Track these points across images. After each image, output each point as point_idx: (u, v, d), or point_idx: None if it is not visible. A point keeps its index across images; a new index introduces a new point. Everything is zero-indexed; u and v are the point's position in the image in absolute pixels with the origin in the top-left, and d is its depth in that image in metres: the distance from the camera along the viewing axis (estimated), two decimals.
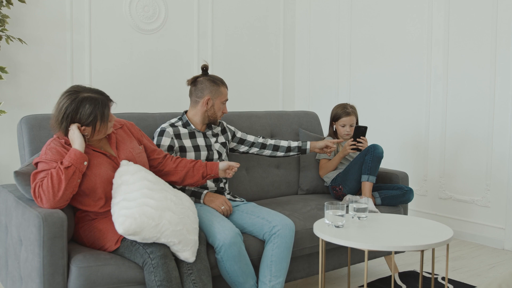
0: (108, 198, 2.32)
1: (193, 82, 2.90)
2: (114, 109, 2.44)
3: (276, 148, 3.14)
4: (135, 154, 2.45)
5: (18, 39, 3.79)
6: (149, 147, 2.60)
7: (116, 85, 4.37)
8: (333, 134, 3.53)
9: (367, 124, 4.74)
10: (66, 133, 2.29)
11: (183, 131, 2.86)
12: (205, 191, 2.76)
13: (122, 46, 4.47)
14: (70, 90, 2.30)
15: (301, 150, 3.17)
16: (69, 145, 2.30)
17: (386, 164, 4.04)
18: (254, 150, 3.13)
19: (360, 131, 3.29)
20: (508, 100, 3.90)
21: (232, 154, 3.18)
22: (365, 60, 4.92)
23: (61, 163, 2.19)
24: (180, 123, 2.89)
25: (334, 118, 3.49)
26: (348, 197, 3.16)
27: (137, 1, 4.50)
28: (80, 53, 4.26)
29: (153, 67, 4.65)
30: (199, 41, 4.89)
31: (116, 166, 2.37)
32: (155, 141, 2.79)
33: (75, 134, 2.26)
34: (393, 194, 3.23)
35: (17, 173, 2.27)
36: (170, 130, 2.82)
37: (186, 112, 2.94)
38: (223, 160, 2.94)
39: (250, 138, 3.12)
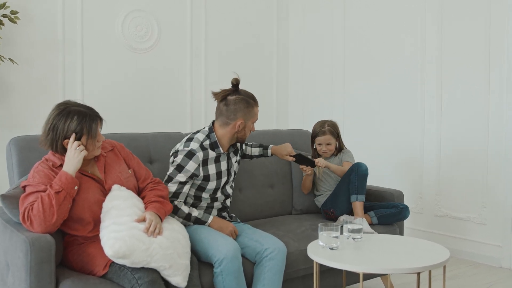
0: (96, 222, 2.26)
1: (224, 99, 2.67)
2: (105, 128, 2.40)
3: (244, 157, 3.07)
4: (124, 179, 2.39)
5: (9, 59, 3.77)
6: (136, 172, 2.51)
7: (109, 104, 4.34)
8: (314, 151, 3.46)
9: (361, 140, 4.72)
10: (52, 146, 2.25)
11: (211, 154, 2.66)
12: (211, 217, 2.66)
13: (114, 66, 4.45)
14: (60, 103, 2.29)
15: (265, 156, 3.10)
16: (57, 167, 2.26)
17: (380, 182, 4.01)
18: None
19: (304, 160, 3.09)
20: (503, 117, 3.89)
21: None
22: (359, 78, 4.91)
23: (51, 186, 2.15)
24: (207, 142, 2.67)
25: (312, 135, 3.43)
26: (343, 217, 3.11)
27: (130, 20, 4.49)
28: (72, 73, 4.24)
29: (145, 86, 4.63)
30: (192, 60, 4.88)
31: (103, 190, 2.33)
32: (178, 160, 2.60)
33: (74, 155, 2.20)
34: (389, 212, 3.19)
35: (3, 197, 2.23)
36: (200, 154, 2.61)
37: (213, 124, 2.73)
38: (233, 181, 2.87)
39: (248, 151, 3.05)
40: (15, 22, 3.73)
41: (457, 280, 3.62)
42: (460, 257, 4.12)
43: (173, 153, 2.69)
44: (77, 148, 2.22)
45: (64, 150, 2.26)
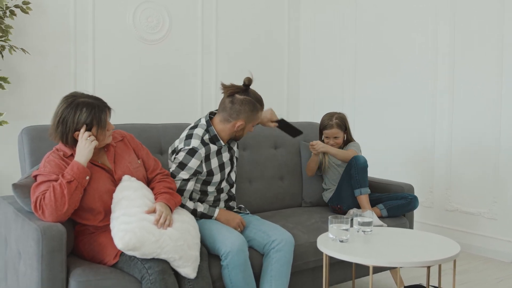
0: (107, 212, 2.28)
1: (231, 96, 2.60)
2: (116, 119, 2.41)
3: None
4: (133, 169, 2.40)
5: (21, 49, 3.78)
6: (146, 162, 2.50)
7: (120, 96, 4.35)
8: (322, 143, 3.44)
9: (372, 134, 4.69)
10: (62, 138, 2.25)
11: (213, 148, 2.63)
12: (217, 210, 2.63)
13: (125, 57, 4.46)
14: (67, 95, 2.29)
15: None
16: (68, 157, 2.27)
17: (391, 176, 3.99)
18: None
19: (288, 126, 2.93)
20: None
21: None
22: (371, 72, 4.89)
23: (63, 176, 2.16)
24: (207, 136, 2.63)
25: (320, 127, 3.39)
26: (353, 210, 3.11)
27: (141, 12, 4.50)
28: (83, 64, 4.25)
29: (156, 78, 4.64)
30: (203, 51, 4.88)
31: (113, 179, 2.34)
32: (180, 157, 2.57)
33: (85, 146, 2.21)
34: (399, 204, 3.17)
35: (15, 186, 2.24)
36: (202, 151, 2.58)
37: (211, 117, 2.69)
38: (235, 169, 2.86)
39: None
40: (27, 13, 3.75)
41: (467, 274, 3.61)
42: (470, 252, 4.10)
43: (173, 151, 2.67)
44: (88, 138, 2.23)
45: (74, 142, 2.26)
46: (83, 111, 2.23)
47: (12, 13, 3.69)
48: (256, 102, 2.62)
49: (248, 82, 2.61)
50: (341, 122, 3.34)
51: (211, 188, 2.70)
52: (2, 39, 3.64)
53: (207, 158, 2.63)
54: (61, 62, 4.15)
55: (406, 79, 4.57)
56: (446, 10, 4.24)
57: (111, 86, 4.36)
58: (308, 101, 5.51)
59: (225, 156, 2.72)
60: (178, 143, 2.66)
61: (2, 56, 3.73)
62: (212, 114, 2.74)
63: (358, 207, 3.18)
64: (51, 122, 2.28)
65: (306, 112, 5.51)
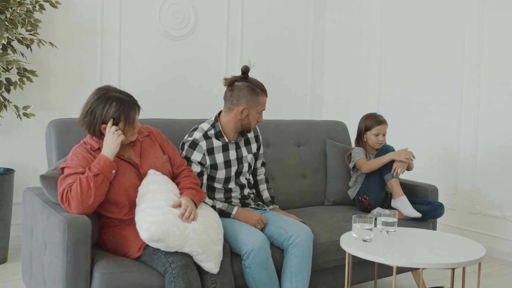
0: (132, 206, 2.30)
1: (230, 85, 2.67)
2: (141, 114, 2.43)
3: (255, 186, 3.00)
4: (159, 164, 2.42)
5: (49, 43, 3.83)
6: (172, 158, 2.52)
7: (144, 90, 4.38)
8: (363, 146, 3.43)
9: (395, 132, 4.66)
10: (89, 129, 2.29)
11: (216, 144, 2.67)
12: (235, 208, 2.64)
13: (151, 52, 4.49)
14: (100, 88, 2.33)
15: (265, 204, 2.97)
16: (95, 151, 2.30)
17: (414, 176, 3.95)
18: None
19: None
20: None
21: None
22: (395, 69, 4.84)
23: (89, 169, 2.19)
24: (212, 131, 2.68)
25: (366, 128, 3.41)
26: (376, 210, 3.09)
27: (167, 7, 4.52)
28: (109, 58, 4.29)
29: (181, 73, 4.66)
30: (228, 48, 4.89)
31: (139, 174, 2.36)
32: (184, 151, 2.64)
33: (112, 140, 2.24)
34: (424, 209, 3.14)
35: (43, 177, 2.27)
36: (203, 144, 2.63)
37: (219, 114, 2.75)
38: (252, 170, 2.85)
39: (258, 163, 2.99)
40: (56, 7, 3.79)
41: (490, 278, 3.56)
42: (493, 256, 4.04)
43: (181, 145, 2.70)
44: (115, 132, 2.25)
45: (100, 134, 2.30)
46: (113, 105, 2.25)
47: (42, 7, 3.74)
48: (256, 86, 2.65)
49: (245, 69, 2.66)
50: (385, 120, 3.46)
51: (217, 184, 2.71)
52: (31, 33, 3.69)
53: (211, 151, 2.65)
54: (87, 56, 4.20)
55: (431, 79, 4.52)
56: (474, 9, 4.18)
57: (136, 81, 4.40)
58: (331, 100, 5.49)
59: (232, 153, 2.73)
60: (186, 136, 2.71)
61: (31, 50, 3.78)
62: None
63: (385, 200, 3.17)
64: (80, 111, 2.31)
65: (329, 110, 5.48)
